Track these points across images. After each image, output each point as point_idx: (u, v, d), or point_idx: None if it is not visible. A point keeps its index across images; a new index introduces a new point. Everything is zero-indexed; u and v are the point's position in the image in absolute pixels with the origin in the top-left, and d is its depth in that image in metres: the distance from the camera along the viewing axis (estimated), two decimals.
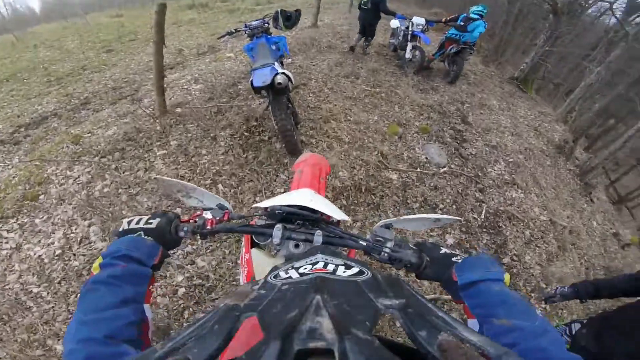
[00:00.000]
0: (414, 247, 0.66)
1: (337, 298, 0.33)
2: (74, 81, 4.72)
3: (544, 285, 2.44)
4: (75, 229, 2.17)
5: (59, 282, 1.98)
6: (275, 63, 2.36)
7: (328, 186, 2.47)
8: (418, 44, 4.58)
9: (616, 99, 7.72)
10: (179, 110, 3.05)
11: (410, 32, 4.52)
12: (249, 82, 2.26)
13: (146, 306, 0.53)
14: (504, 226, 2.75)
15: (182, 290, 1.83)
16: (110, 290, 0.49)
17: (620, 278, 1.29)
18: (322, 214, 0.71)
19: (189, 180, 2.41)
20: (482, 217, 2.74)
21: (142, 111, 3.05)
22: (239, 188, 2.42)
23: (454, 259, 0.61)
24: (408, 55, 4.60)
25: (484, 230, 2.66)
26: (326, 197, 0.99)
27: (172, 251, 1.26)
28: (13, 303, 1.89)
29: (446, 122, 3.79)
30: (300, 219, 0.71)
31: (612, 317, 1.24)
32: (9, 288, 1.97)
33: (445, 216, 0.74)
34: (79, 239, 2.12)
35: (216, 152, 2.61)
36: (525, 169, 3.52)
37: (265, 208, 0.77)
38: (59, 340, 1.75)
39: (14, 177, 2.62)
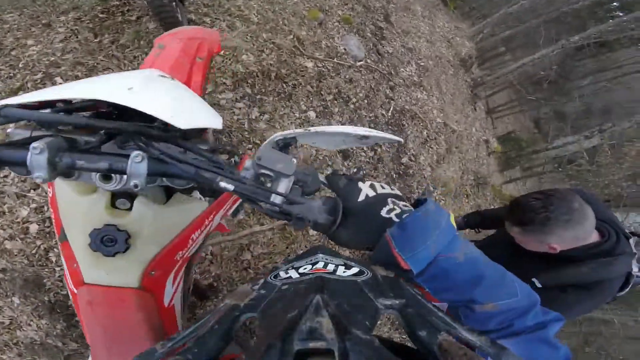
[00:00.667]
0: (323, 183, 0.47)
1: (337, 298, 0.33)
2: None
3: (432, 189, 2.89)
4: None
5: None
6: None
7: (226, 72, 2.15)
8: None
9: (525, 33, 8.40)
10: None
11: None
12: None
13: None
14: (406, 124, 3.03)
15: (34, 227, 1.50)
16: None
17: (502, 209, 1.46)
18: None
19: (8, 78, 1.85)
20: (389, 114, 2.93)
21: None
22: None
23: (384, 210, 0.43)
24: None
25: (389, 127, 2.90)
26: (205, 91, 0.73)
27: None
28: None
29: (369, 16, 3.59)
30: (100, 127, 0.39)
31: (484, 242, 1.34)
32: None
33: (377, 133, 0.49)
34: None
35: (50, 40, 2.00)
36: (432, 74, 3.81)
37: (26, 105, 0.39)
38: None
39: None
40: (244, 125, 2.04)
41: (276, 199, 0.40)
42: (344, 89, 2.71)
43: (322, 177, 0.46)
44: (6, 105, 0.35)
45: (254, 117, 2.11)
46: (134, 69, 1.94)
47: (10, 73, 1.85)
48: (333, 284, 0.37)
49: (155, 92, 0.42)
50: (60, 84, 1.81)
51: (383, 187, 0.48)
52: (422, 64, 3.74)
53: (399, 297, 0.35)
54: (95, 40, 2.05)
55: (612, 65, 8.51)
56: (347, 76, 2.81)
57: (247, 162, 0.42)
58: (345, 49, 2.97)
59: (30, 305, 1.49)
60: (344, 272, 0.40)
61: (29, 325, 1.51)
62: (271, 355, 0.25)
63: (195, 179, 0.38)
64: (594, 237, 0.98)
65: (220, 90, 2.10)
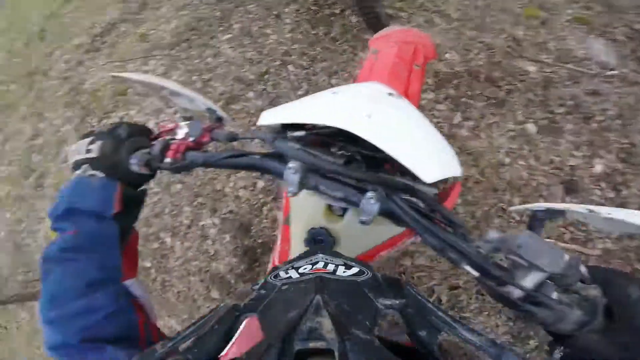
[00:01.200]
0: (587, 278, 0.33)
1: (337, 298, 0.33)
2: None
3: None
4: (164, 117, 2.33)
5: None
6: None
7: (428, 70, 1.84)
8: None
9: None
10: None
11: None
12: None
13: (131, 282, 0.42)
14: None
15: (260, 184, 1.78)
16: (66, 272, 0.38)
17: None
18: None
19: (257, 63, 2.31)
20: None
21: (198, 1, 3.03)
22: (311, 69, 2.21)
23: None
24: None
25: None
26: (422, 105, 0.84)
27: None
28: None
29: (617, 17, 2.57)
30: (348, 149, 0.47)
31: None
32: None
33: None
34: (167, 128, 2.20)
35: (282, 31, 2.41)
36: None
37: (277, 128, 0.50)
38: (170, 233, 1.86)
39: (103, 78, 2.95)
40: (443, 129, 1.86)
41: (516, 291, 0.33)
42: (585, 102, 2.00)
43: (583, 269, 0.33)
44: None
45: (456, 122, 1.92)
46: (344, 61, 2.18)
47: (258, 59, 2.34)
48: (333, 284, 0.37)
49: (395, 128, 0.43)
50: (292, 72, 2.28)
51: None
52: None
53: (399, 297, 0.34)
54: (313, 32, 2.39)
55: None
56: (590, 87, 2.07)
57: (491, 235, 0.36)
58: (585, 54, 2.20)
59: (234, 244, 1.72)
60: (344, 272, 0.40)
61: (223, 260, 1.75)
62: (271, 355, 0.24)
63: (440, 250, 0.38)
64: None
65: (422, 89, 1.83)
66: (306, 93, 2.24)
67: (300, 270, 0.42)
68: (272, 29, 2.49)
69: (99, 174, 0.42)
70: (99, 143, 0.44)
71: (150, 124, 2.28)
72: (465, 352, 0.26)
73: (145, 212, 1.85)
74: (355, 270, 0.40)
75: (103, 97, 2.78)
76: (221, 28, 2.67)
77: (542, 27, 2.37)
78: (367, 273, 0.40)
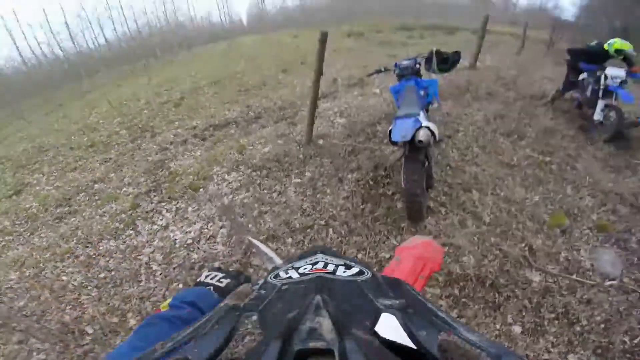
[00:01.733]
0: None
1: (337, 298, 0.35)
2: (255, 94, 5.93)
3: None
4: (210, 226, 2.60)
5: (174, 269, 2.31)
6: (421, 113, 2.22)
7: (443, 270, 2.29)
8: (614, 103, 3.68)
9: None
10: (321, 142, 3.41)
11: (602, 87, 3.70)
12: (388, 131, 2.19)
13: None
14: None
15: None
16: (171, 329, 0.49)
17: None
18: None
19: (307, 216, 2.63)
20: (635, 341, 2.06)
21: (293, 136, 3.56)
22: (347, 239, 2.47)
23: None
24: (598, 116, 3.76)
25: (626, 355, 1.96)
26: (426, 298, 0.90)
27: None
28: (132, 273, 2.26)
29: (639, 220, 2.91)
30: None
31: None
32: (139, 259, 2.42)
33: None
34: (208, 236, 2.57)
35: (338, 195, 2.75)
36: None
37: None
38: (136, 316, 2.00)
39: (190, 167, 3.40)
40: None
41: None
42: (575, 310, 2.15)
43: None
44: None
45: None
46: (376, 241, 2.41)
47: (309, 212, 2.61)
48: (333, 284, 0.39)
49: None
50: (331, 235, 2.47)
51: None
52: None
53: (399, 297, 0.36)
54: (361, 206, 2.67)
55: None
56: (585, 296, 2.25)
57: None
58: (592, 265, 2.49)
59: None
60: (344, 272, 0.42)
61: None
62: (271, 355, 0.25)
63: None
64: None
65: (429, 284, 2.23)
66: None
67: (300, 271, 0.44)
68: (331, 189, 2.76)
69: (216, 294, 0.60)
70: (227, 280, 0.64)
71: (197, 226, 2.49)
72: (465, 352, 0.27)
73: None
74: (355, 270, 0.43)
75: (179, 183, 3.12)
76: (296, 171, 2.96)
77: (562, 236, 2.64)
78: (367, 273, 0.42)
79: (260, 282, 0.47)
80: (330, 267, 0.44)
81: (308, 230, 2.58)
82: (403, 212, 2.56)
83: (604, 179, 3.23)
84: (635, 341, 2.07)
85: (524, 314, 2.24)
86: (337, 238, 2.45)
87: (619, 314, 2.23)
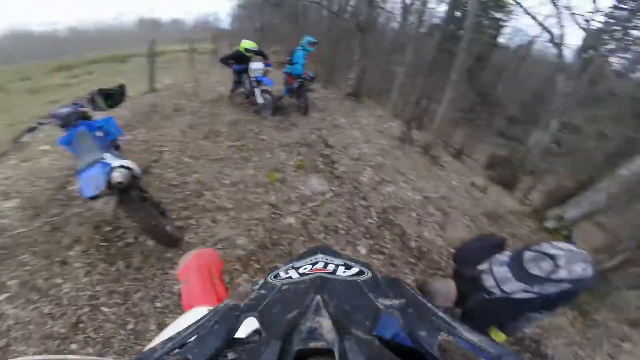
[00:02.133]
0: None
1: (337, 298, 0.34)
2: None
3: (453, 250, 3.03)
4: None
5: None
6: (107, 155, 2.02)
7: (232, 259, 2.42)
8: (265, 87, 5.12)
9: (423, 90, 10.32)
10: None
11: (252, 79, 5.01)
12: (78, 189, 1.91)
13: None
14: (394, 218, 3.33)
15: None
16: None
17: None
18: None
19: (62, 315, 2.07)
20: (375, 219, 3.22)
21: None
22: (130, 302, 2.16)
23: None
24: (260, 100, 5.10)
25: (383, 228, 3.15)
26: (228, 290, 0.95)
27: None
28: None
29: (313, 151, 4.37)
30: None
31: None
32: None
33: None
34: None
35: (76, 276, 2.26)
36: (386, 165, 4.36)
37: None
38: None
39: None
40: None
41: None
42: (329, 223, 3.06)
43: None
44: None
45: None
46: (159, 283, 2.19)
47: (60, 311, 2.02)
48: (333, 284, 0.38)
49: None
50: (109, 312, 2.02)
51: None
52: (372, 163, 4.32)
53: (399, 297, 0.36)
54: (112, 268, 2.29)
55: None
56: (325, 211, 3.20)
57: None
58: (311, 191, 3.49)
59: None
60: (344, 272, 0.42)
61: None
62: (271, 355, 0.25)
63: None
64: None
65: (236, 276, 2.35)
66: (135, 326, 2.19)
67: (300, 271, 0.43)
68: (62, 278, 2.21)
69: None
70: None
71: None
72: (465, 353, 0.27)
73: None
74: (355, 270, 0.42)
75: None
76: None
77: (283, 185, 3.46)
78: (367, 273, 0.41)
79: (260, 282, 0.46)
80: (330, 267, 0.43)
81: (80, 325, 2.00)
82: (159, 247, 2.46)
83: (282, 137, 4.55)
84: (375, 218, 3.12)
85: (307, 244, 2.76)
86: (119, 309, 2.05)
87: (350, 209, 3.36)
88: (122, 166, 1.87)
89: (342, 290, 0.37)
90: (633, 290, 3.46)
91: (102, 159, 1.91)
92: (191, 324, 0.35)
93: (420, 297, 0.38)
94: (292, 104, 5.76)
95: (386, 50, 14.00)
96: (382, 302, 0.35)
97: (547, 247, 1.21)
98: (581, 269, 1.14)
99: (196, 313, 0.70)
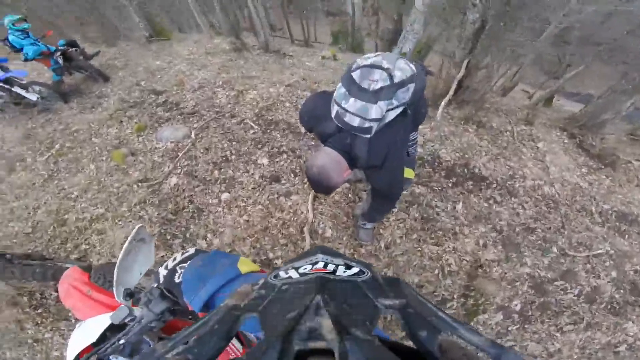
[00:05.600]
0: None
1: (337, 298, 0.34)
2: None
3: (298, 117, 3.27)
4: None
5: None
6: None
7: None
8: (23, 82, 3.76)
9: None
10: None
11: None
12: None
13: None
14: (273, 116, 3.27)
15: None
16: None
17: None
18: None
19: None
20: (256, 127, 3.14)
21: None
22: None
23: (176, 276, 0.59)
24: (32, 97, 3.73)
25: (269, 130, 3.07)
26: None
27: None
28: None
29: (146, 105, 3.68)
30: None
31: None
32: None
33: None
34: None
35: None
36: (235, 78, 4.08)
37: None
38: None
39: None
40: None
41: None
42: (214, 157, 2.85)
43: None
44: None
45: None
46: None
47: None
48: (333, 284, 0.38)
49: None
50: None
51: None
52: (220, 82, 3.95)
53: (399, 297, 0.36)
54: None
55: None
56: (202, 149, 2.93)
57: None
58: (171, 142, 3.04)
59: None
60: (344, 272, 0.42)
61: None
62: (271, 355, 0.25)
63: None
64: None
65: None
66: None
67: (300, 271, 0.43)
68: None
69: None
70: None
71: None
72: (465, 353, 0.27)
73: None
74: (355, 270, 0.42)
75: None
76: None
77: (136, 155, 2.96)
78: (367, 273, 0.41)
79: (261, 282, 0.45)
80: (331, 267, 0.43)
81: None
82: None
83: (94, 117, 3.67)
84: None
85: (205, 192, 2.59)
86: None
87: (218, 135, 3.07)
88: None
89: (342, 291, 0.37)
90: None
91: None
92: (191, 324, 0.34)
93: (420, 297, 0.38)
94: (83, 79, 4.38)
95: None
96: (382, 302, 0.35)
97: (362, 61, 1.15)
98: (405, 64, 1.14)
99: (87, 324, 0.79)
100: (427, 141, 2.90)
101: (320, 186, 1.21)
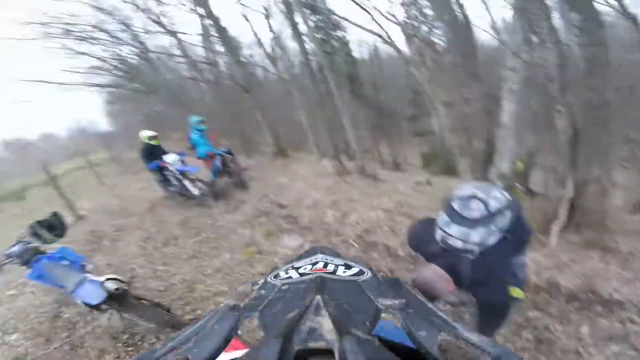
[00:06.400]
0: None
1: (337, 298, 0.35)
2: None
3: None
4: None
5: None
6: (87, 275, 2.19)
7: None
8: (193, 177, 4.86)
9: (332, 125, 11.36)
10: None
11: (176, 172, 4.74)
12: (80, 303, 2.08)
13: None
14: (371, 238, 3.61)
15: None
16: None
17: None
18: None
19: None
20: (356, 246, 3.50)
21: None
22: None
23: None
24: (195, 192, 4.81)
25: (367, 250, 3.42)
26: None
27: None
28: None
29: (273, 216, 4.48)
30: None
31: None
32: None
33: None
34: None
35: None
36: (339, 200, 4.71)
37: None
38: None
39: None
40: None
41: None
42: None
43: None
44: None
45: None
46: None
47: None
48: (333, 284, 0.39)
49: None
50: None
51: None
52: (328, 202, 4.57)
53: (399, 297, 0.36)
54: None
55: None
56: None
57: None
58: (289, 249, 3.60)
59: None
60: (344, 272, 0.43)
61: None
62: (271, 355, 0.26)
63: None
64: None
65: None
66: None
67: (300, 271, 0.44)
68: None
69: None
70: None
71: None
72: (465, 352, 0.27)
73: None
74: (355, 270, 0.43)
75: None
76: None
77: (262, 254, 3.55)
78: (367, 273, 0.42)
79: (261, 282, 0.45)
80: (331, 267, 0.44)
81: None
82: None
83: (237, 217, 4.60)
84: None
85: None
86: None
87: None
88: (110, 278, 2.09)
89: (342, 290, 0.38)
90: None
91: (86, 277, 2.07)
92: (191, 324, 0.35)
93: (420, 297, 0.39)
94: (229, 183, 5.62)
95: (280, 100, 14.93)
96: (382, 302, 0.35)
97: (460, 192, 1.29)
98: (499, 194, 1.25)
99: None
100: (543, 269, 2.67)
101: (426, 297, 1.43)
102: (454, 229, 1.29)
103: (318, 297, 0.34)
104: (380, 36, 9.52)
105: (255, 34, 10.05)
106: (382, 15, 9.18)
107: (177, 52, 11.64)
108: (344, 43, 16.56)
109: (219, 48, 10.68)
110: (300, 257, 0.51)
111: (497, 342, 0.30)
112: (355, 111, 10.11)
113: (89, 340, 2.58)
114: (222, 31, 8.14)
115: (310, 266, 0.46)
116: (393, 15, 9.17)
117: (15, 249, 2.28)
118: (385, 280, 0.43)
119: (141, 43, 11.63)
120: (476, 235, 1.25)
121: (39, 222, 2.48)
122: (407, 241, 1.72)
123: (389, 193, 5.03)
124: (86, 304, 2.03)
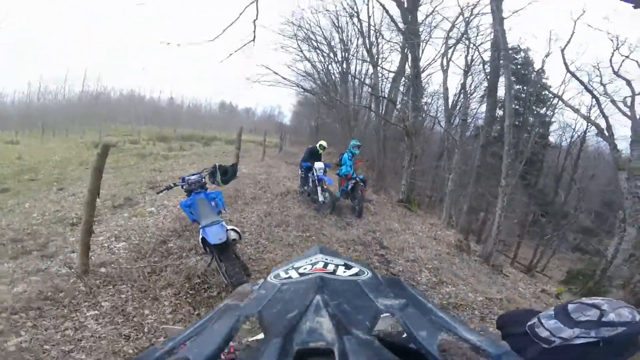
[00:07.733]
0: None
1: (337, 298, 0.35)
2: None
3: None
4: None
5: None
6: (221, 219, 2.57)
7: None
8: (325, 186, 5.59)
9: (474, 197, 10.66)
10: (103, 270, 2.95)
11: (316, 177, 5.56)
12: (200, 239, 2.43)
13: None
14: (456, 314, 3.22)
15: None
16: None
17: None
18: None
19: (136, 340, 2.41)
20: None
21: (56, 269, 2.92)
22: None
23: None
24: (321, 198, 5.53)
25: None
26: None
27: None
28: None
29: (369, 250, 4.53)
30: None
31: None
32: None
33: None
34: None
35: (162, 312, 2.57)
36: (444, 269, 4.27)
37: None
38: None
39: None
40: None
41: None
42: None
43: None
44: None
45: None
46: None
47: (137, 335, 2.27)
48: (333, 284, 0.39)
49: None
50: None
51: None
52: (430, 266, 4.26)
53: (399, 297, 0.37)
54: (195, 312, 2.56)
55: None
56: None
57: None
58: None
59: None
60: (344, 272, 0.43)
61: None
62: (271, 354, 0.26)
63: None
64: None
65: None
66: None
67: (300, 271, 0.44)
68: (150, 309, 2.56)
69: None
70: None
71: None
72: (464, 352, 0.28)
73: None
74: (355, 270, 0.43)
75: None
76: (86, 304, 2.57)
77: None
78: (367, 273, 0.42)
79: (261, 282, 0.47)
80: (331, 267, 0.45)
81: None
82: None
83: (341, 234, 4.91)
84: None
85: None
86: None
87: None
88: (234, 229, 2.47)
89: (342, 290, 0.38)
90: None
91: (221, 221, 2.51)
92: (191, 324, 0.36)
93: (420, 297, 0.39)
94: (347, 205, 6.10)
95: (434, 155, 13.95)
96: (382, 302, 0.36)
97: (587, 300, 1.35)
98: (629, 313, 1.26)
99: None
100: None
101: None
102: (551, 322, 1.34)
103: (318, 297, 0.35)
104: (597, 126, 8.11)
105: (445, 87, 10.16)
106: (615, 105, 7.75)
107: (368, 81, 13.13)
108: (543, 122, 14.65)
109: (401, 87, 11.47)
110: (300, 257, 0.52)
111: (497, 342, 0.29)
112: (513, 194, 9.01)
113: (168, 271, 3.05)
114: (417, 76, 8.64)
115: (310, 266, 0.46)
116: (629, 107, 7.50)
117: (194, 177, 2.91)
118: (385, 280, 0.44)
119: (347, 63, 13.96)
120: (567, 333, 1.26)
121: (220, 166, 3.13)
122: (498, 320, 1.76)
123: (502, 287, 4.50)
124: (204, 241, 2.42)
